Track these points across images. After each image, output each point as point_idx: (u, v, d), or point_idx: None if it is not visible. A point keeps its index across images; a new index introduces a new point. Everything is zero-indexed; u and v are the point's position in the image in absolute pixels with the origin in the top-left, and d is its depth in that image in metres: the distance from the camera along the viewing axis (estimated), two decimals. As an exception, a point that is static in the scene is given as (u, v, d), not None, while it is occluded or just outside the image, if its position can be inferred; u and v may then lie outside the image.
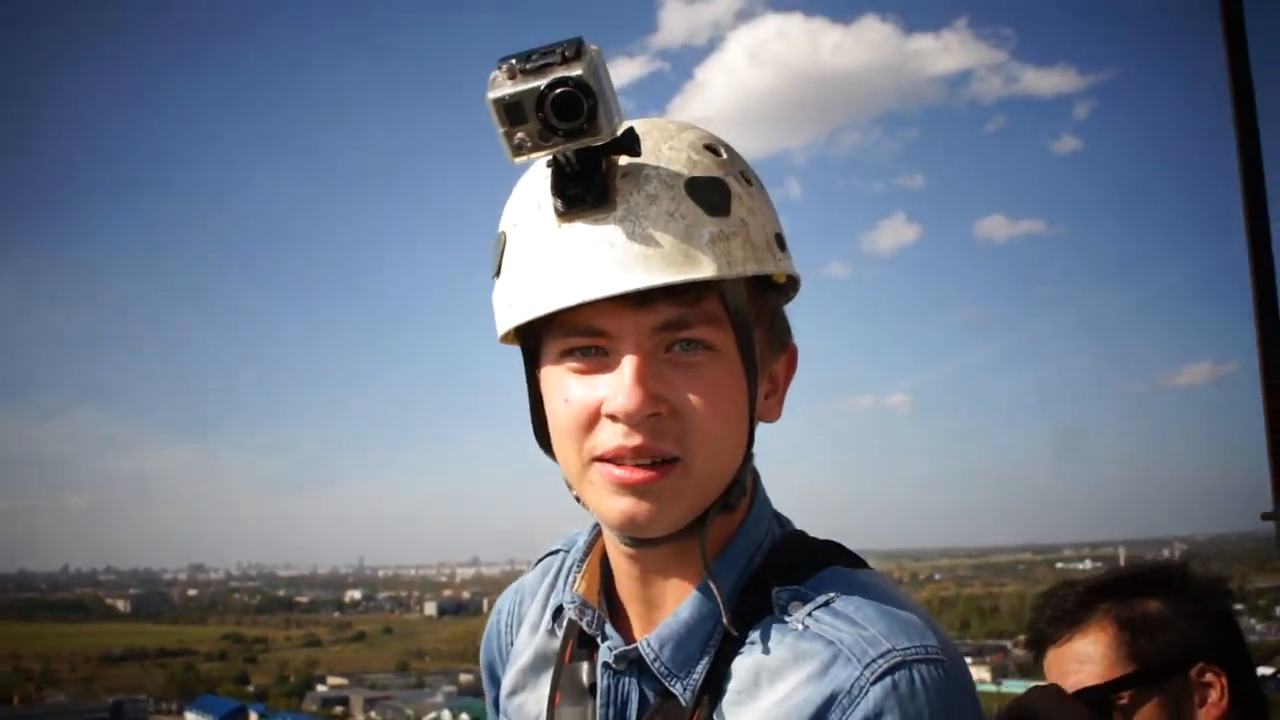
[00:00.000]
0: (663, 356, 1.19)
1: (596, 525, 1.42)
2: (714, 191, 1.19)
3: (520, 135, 1.10)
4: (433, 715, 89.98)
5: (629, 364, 1.16)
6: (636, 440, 1.17)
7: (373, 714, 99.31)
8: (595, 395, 1.19)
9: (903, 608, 1.21)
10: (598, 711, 1.31)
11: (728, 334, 1.20)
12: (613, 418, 1.17)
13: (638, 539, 1.23)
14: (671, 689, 1.24)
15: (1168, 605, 1.92)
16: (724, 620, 1.22)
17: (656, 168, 1.18)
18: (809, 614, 1.21)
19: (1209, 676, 1.85)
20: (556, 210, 1.17)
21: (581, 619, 1.35)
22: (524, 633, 1.50)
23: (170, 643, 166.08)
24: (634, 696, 1.29)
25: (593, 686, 1.33)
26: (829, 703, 1.14)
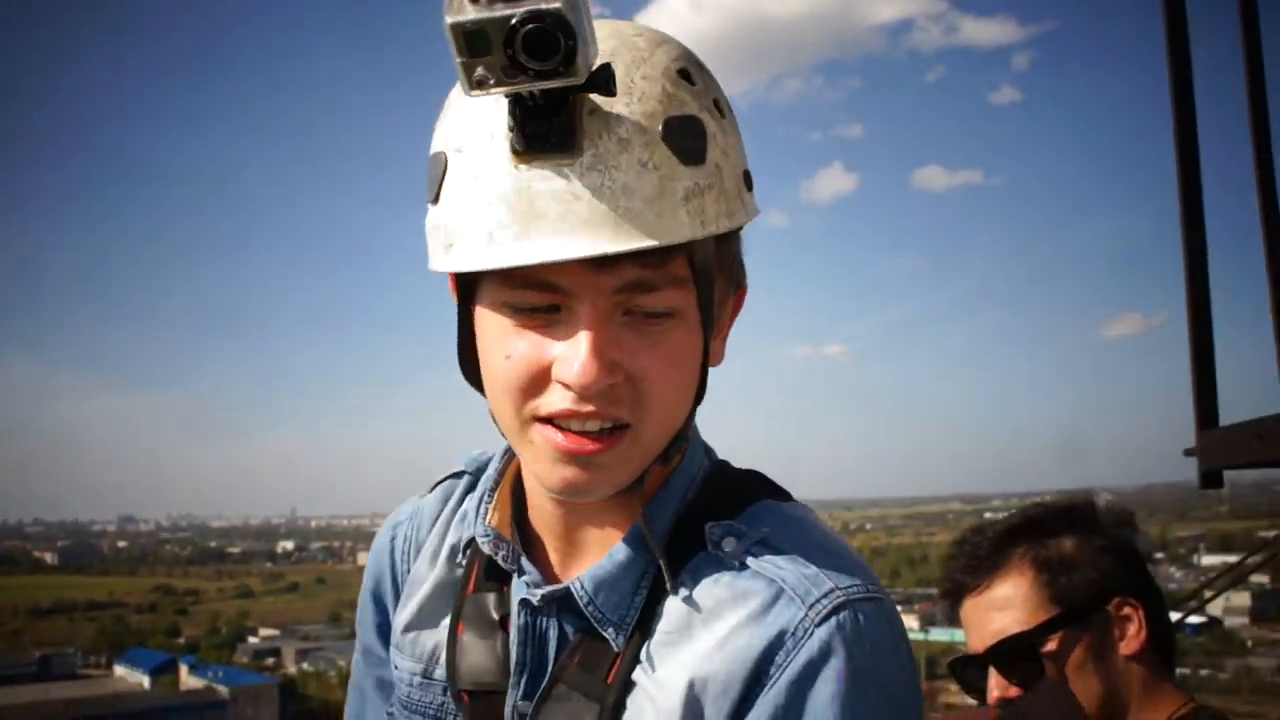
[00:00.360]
0: (620, 319, 1.08)
1: (508, 452, 1.34)
2: (690, 135, 1.05)
3: (481, 69, 0.95)
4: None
5: (586, 334, 1.05)
6: (588, 408, 1.07)
7: (305, 665, 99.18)
8: (544, 356, 1.08)
9: (835, 543, 1.18)
10: (514, 649, 1.23)
11: (690, 293, 1.09)
12: (565, 385, 1.07)
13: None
14: (604, 633, 1.17)
15: (1081, 541, 1.89)
16: (660, 563, 1.16)
17: (628, 105, 1.04)
18: (745, 550, 1.16)
19: (1127, 610, 1.83)
20: (513, 147, 1.02)
21: (496, 553, 1.26)
22: (422, 561, 1.38)
23: (100, 595, 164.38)
24: (552, 634, 1.22)
25: (502, 620, 1.26)
26: (774, 644, 1.09)
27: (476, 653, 1.27)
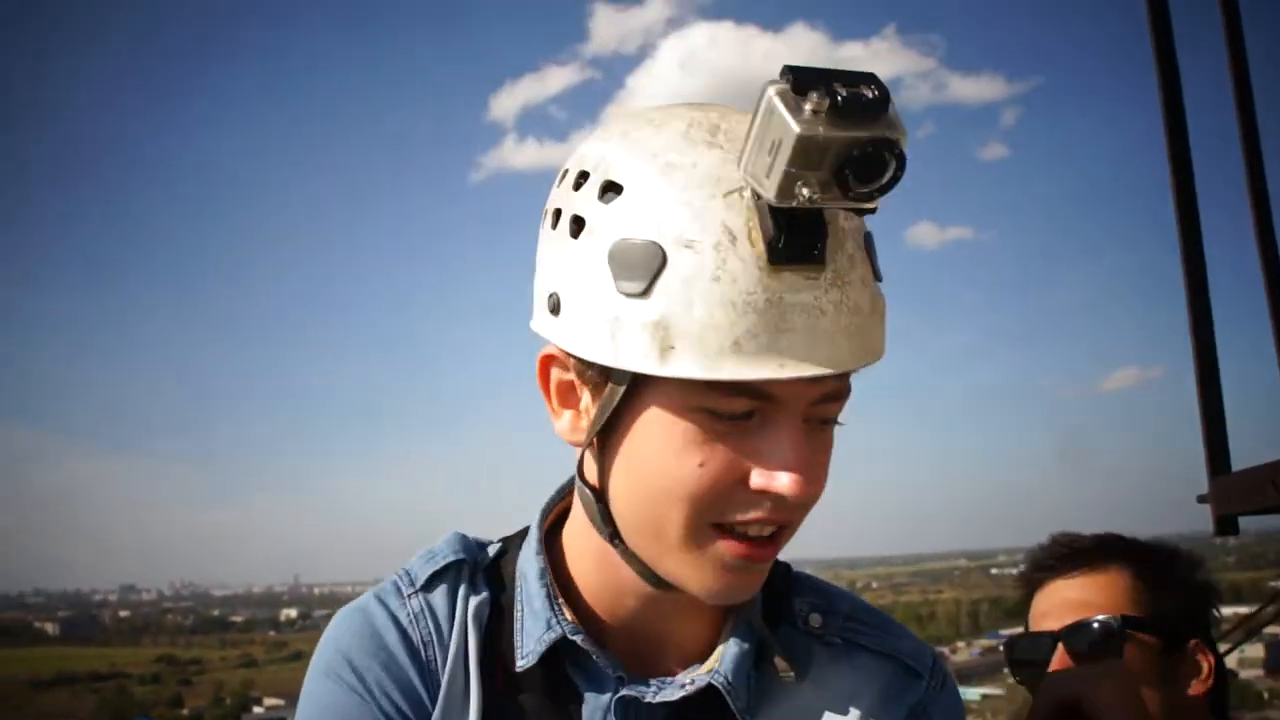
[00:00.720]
0: (803, 425, 1.04)
1: (514, 543, 1.27)
2: (874, 251, 1.05)
3: (802, 182, 0.90)
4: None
5: (796, 445, 1.02)
6: (784, 516, 1.05)
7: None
8: (743, 464, 1.02)
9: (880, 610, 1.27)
10: None
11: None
12: (771, 495, 1.02)
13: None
14: (739, 714, 1.14)
15: (1174, 576, 1.86)
16: (776, 658, 1.16)
17: (848, 219, 1.01)
18: (841, 624, 1.20)
19: (1200, 657, 1.81)
20: (770, 256, 0.96)
21: (591, 655, 1.16)
22: (452, 665, 1.19)
23: (102, 666, 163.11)
24: None
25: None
26: (911, 715, 1.18)
27: None
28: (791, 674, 1.14)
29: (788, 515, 1.05)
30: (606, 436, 1.08)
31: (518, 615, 1.19)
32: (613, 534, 1.11)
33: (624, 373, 1.02)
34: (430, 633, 1.20)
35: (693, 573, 1.07)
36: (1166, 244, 3.10)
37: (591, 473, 1.12)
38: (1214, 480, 2.84)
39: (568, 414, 1.11)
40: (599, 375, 1.05)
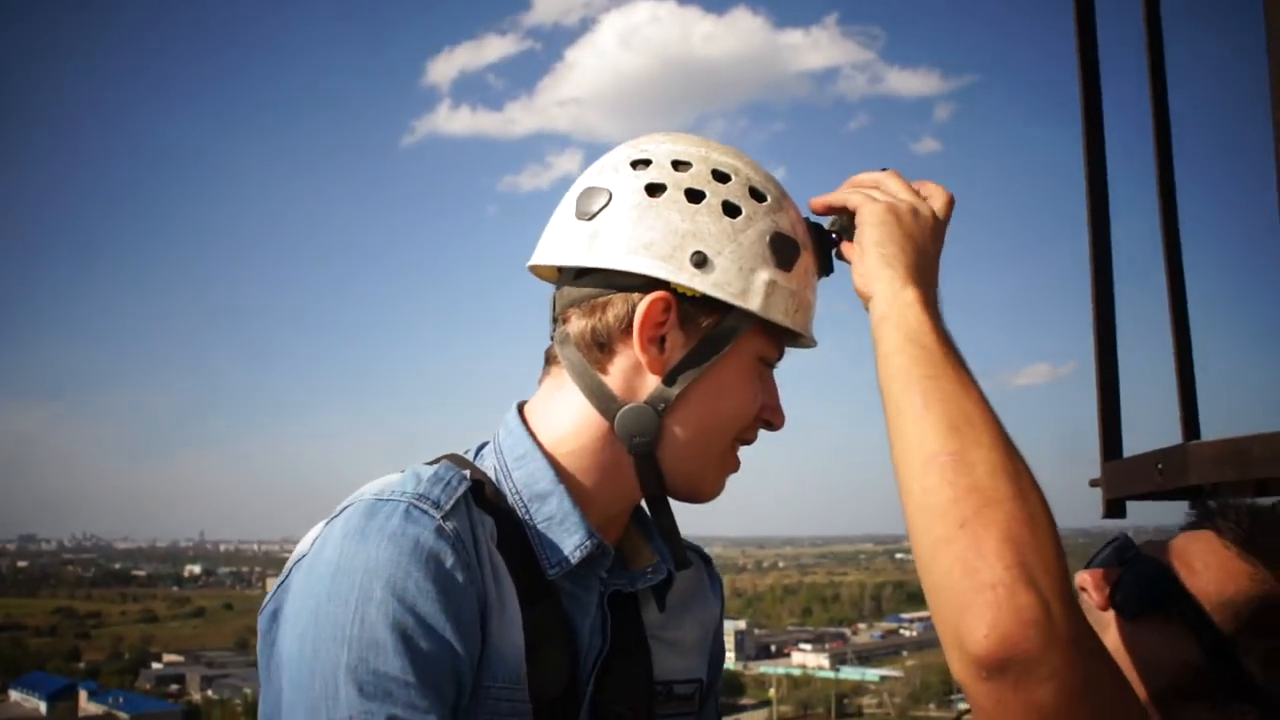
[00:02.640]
0: None
1: (535, 456, 1.44)
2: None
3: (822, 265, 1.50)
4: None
5: (777, 391, 1.49)
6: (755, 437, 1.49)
7: (210, 692, 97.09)
8: (762, 399, 1.45)
9: None
10: (586, 639, 1.42)
11: None
12: (768, 424, 1.47)
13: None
14: (651, 599, 1.54)
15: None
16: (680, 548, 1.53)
17: None
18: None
19: None
20: (818, 266, 1.48)
21: (602, 558, 1.45)
22: (490, 582, 1.33)
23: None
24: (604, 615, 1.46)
25: (566, 621, 1.40)
26: (716, 595, 1.75)
27: (552, 663, 1.37)
28: (689, 560, 1.58)
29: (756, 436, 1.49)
30: (684, 370, 1.40)
31: (533, 527, 1.40)
32: (650, 445, 1.41)
33: (744, 320, 1.40)
34: (471, 555, 1.29)
35: (713, 479, 1.46)
36: (1085, 244, 3.20)
37: (654, 396, 1.40)
38: (1105, 465, 2.95)
39: (652, 349, 1.39)
40: (714, 321, 1.40)
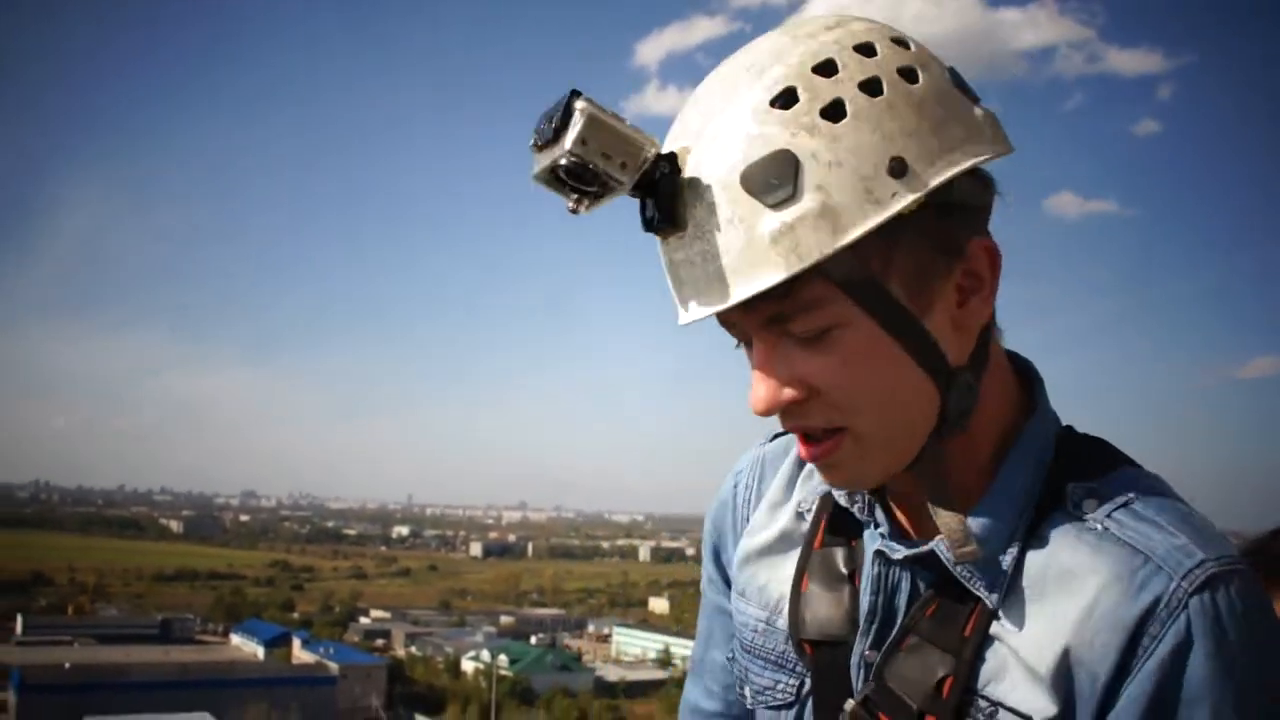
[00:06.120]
0: (790, 339, 1.13)
1: None
2: (775, 174, 1.06)
3: (570, 201, 1.10)
4: (472, 654, 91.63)
5: (754, 368, 1.15)
6: (790, 424, 1.17)
7: (413, 648, 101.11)
8: None
9: (1198, 516, 1.16)
10: (864, 599, 1.26)
11: (847, 303, 1.09)
12: None
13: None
14: (977, 593, 1.16)
15: None
16: (957, 536, 1.16)
17: (712, 165, 1.09)
18: (1108, 515, 1.14)
19: None
20: (644, 228, 1.14)
21: (852, 504, 1.29)
22: (762, 509, 1.43)
23: (220, 566, 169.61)
24: (904, 587, 1.24)
25: (850, 574, 1.29)
26: (1146, 615, 1.07)
27: (823, 605, 1.30)
28: (969, 550, 1.15)
29: (794, 422, 1.16)
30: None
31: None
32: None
33: None
34: (751, 485, 1.46)
35: None
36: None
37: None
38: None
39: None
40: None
